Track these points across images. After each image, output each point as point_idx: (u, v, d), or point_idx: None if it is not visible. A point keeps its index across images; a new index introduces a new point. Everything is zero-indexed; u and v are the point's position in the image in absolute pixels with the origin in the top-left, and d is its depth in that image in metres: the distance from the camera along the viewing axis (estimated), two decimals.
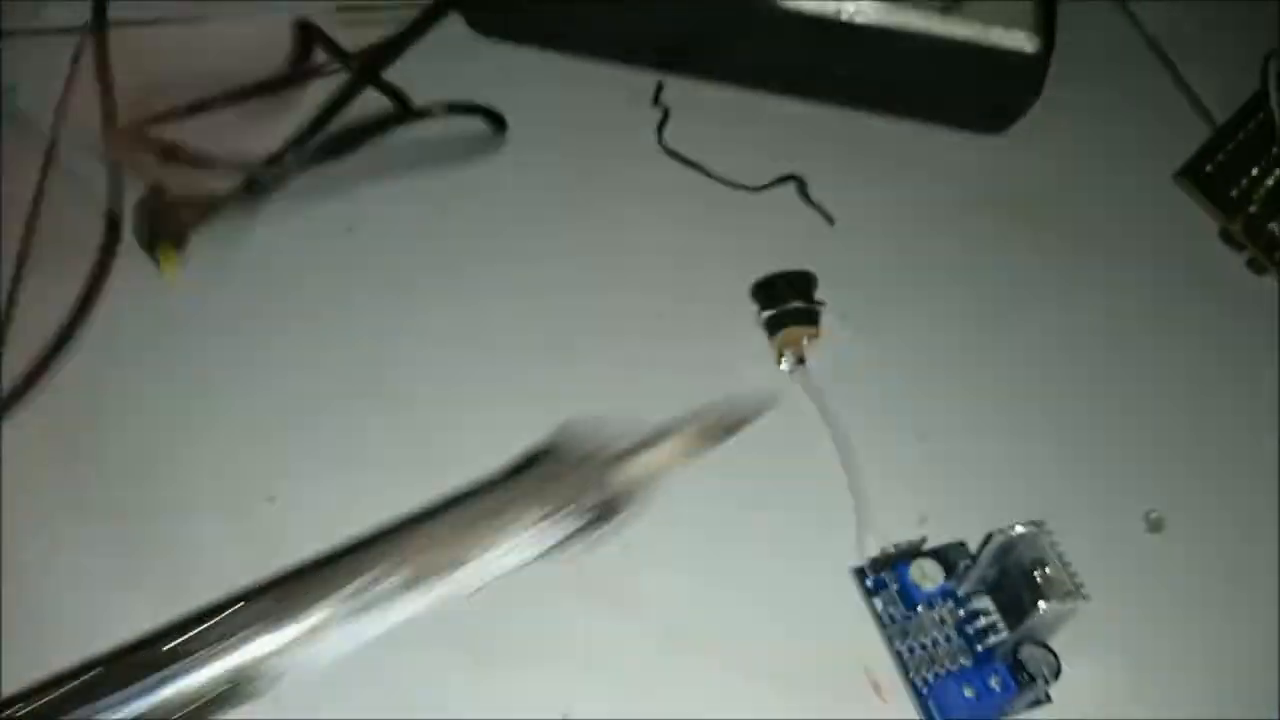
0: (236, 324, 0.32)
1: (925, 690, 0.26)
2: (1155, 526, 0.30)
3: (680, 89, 0.39)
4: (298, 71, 0.38)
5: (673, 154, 0.38)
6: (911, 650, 0.27)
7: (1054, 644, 0.26)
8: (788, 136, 0.38)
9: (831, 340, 0.33)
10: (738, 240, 0.35)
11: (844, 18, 0.37)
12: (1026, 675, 0.26)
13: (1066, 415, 0.32)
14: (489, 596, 0.26)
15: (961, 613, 0.27)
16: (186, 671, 0.21)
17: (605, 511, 0.24)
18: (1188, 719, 0.26)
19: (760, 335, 0.33)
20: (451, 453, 0.29)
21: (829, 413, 0.31)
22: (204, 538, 0.28)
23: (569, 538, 0.24)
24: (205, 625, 0.21)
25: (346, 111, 0.37)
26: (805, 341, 0.32)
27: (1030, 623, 0.26)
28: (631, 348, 0.32)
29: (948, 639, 0.27)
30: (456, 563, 0.23)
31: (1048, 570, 0.26)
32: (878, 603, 0.28)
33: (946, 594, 0.28)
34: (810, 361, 0.32)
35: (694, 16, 0.38)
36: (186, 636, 0.21)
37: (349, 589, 0.22)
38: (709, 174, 0.37)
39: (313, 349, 0.31)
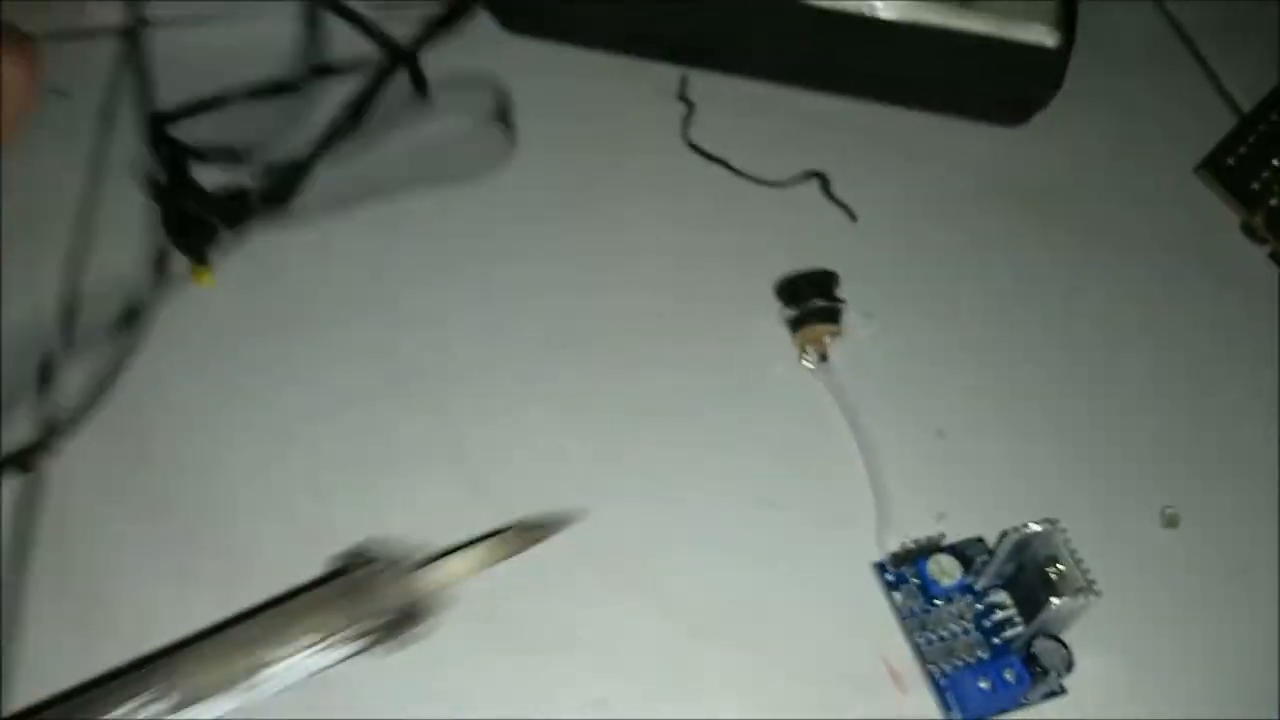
0: (269, 326, 0.33)
1: (943, 682, 0.27)
2: (1171, 522, 0.31)
3: (705, 83, 0.40)
4: (321, 67, 0.39)
5: (697, 149, 0.38)
6: (930, 643, 0.28)
7: (1068, 637, 0.27)
8: (811, 131, 0.39)
9: (853, 337, 0.33)
10: (761, 236, 0.36)
11: (866, 13, 0.37)
12: (1040, 668, 0.27)
13: (1085, 411, 0.33)
14: (519, 588, 0.28)
15: (979, 607, 0.28)
16: None
17: (404, 619, 0.25)
18: (1199, 716, 0.27)
19: (784, 331, 0.34)
20: (485, 449, 0.30)
21: (850, 409, 0.32)
22: (254, 533, 0.29)
23: (363, 649, 0.25)
24: None
25: (378, 103, 0.38)
26: (827, 339, 0.33)
27: (1043, 617, 0.27)
28: (656, 344, 0.33)
29: (965, 632, 0.28)
30: (230, 682, 0.24)
31: (1060, 567, 0.27)
32: (897, 596, 0.29)
33: (964, 589, 0.29)
34: (833, 358, 0.33)
35: (719, 13, 0.38)
36: None
37: (117, 714, 0.23)
38: (733, 169, 0.38)
39: (346, 348, 0.33)
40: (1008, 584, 0.28)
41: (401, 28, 0.39)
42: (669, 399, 0.32)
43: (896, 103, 0.40)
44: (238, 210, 0.34)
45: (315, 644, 0.24)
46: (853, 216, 0.37)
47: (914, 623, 0.28)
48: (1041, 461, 0.32)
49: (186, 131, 0.36)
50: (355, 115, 0.37)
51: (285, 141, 0.36)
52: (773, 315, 0.34)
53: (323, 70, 0.39)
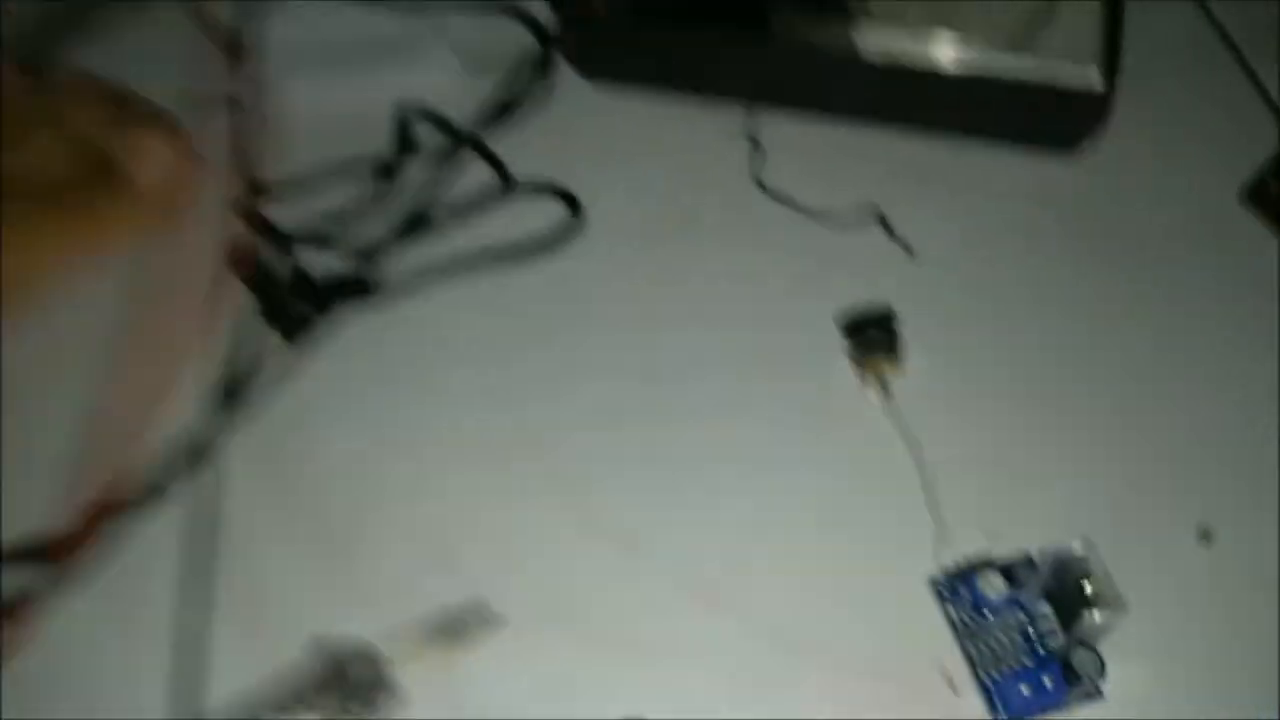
0: (352, 398, 0.37)
1: (991, 686, 0.31)
2: (1205, 538, 0.34)
3: (772, 124, 0.43)
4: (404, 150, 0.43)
5: (765, 189, 0.42)
6: (980, 651, 0.32)
7: (1104, 646, 0.31)
8: (871, 167, 0.42)
9: (912, 369, 0.37)
10: (826, 271, 0.39)
11: (924, 65, 0.40)
12: (1076, 675, 0.30)
13: (1128, 434, 0.36)
14: (615, 604, 0.32)
15: (1023, 618, 0.32)
16: None
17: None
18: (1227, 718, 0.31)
19: (847, 364, 0.37)
20: (576, 473, 0.35)
21: (910, 436, 0.35)
22: (387, 553, 0.34)
23: None
24: None
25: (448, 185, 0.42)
26: (888, 370, 0.36)
27: (1079, 628, 0.30)
28: (727, 376, 0.37)
29: (1011, 642, 0.32)
30: None
31: (1095, 583, 0.30)
32: (951, 609, 0.32)
33: (1011, 602, 0.32)
34: (893, 388, 0.36)
35: (789, 61, 0.42)
36: None
37: None
38: (800, 209, 0.41)
39: (455, 412, 0.37)
40: (1050, 597, 0.32)
41: (486, 92, 0.43)
42: (743, 429, 0.36)
43: (951, 134, 0.42)
44: (329, 294, 0.39)
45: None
46: (910, 252, 0.40)
47: (966, 633, 0.32)
48: (1086, 482, 0.35)
49: (282, 209, 0.41)
50: (430, 196, 0.41)
51: (372, 221, 0.40)
52: (837, 348, 0.37)
53: (408, 148, 0.43)
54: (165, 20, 0.48)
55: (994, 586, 0.32)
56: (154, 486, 0.35)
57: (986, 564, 0.33)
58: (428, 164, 0.42)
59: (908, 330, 0.37)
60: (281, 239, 0.40)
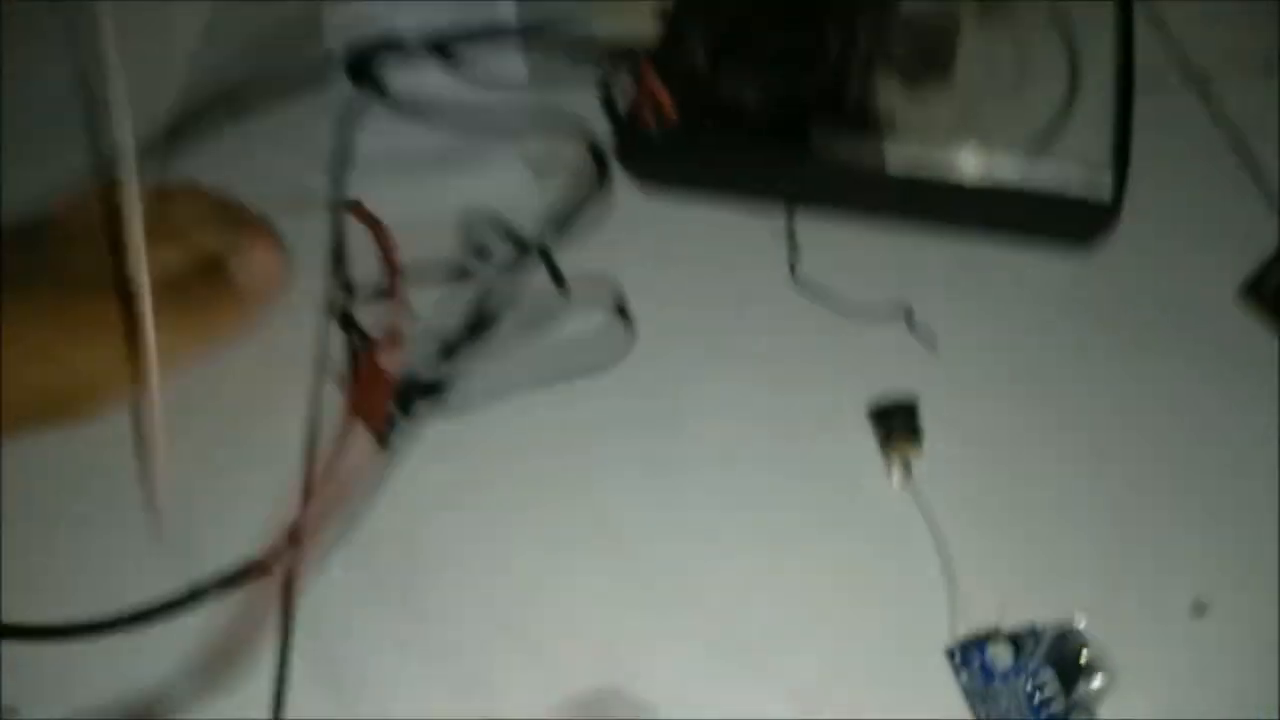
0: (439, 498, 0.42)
1: None
2: (1199, 611, 0.37)
3: (809, 226, 0.48)
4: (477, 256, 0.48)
5: (803, 287, 0.46)
6: (989, 714, 0.35)
7: (1100, 711, 0.34)
8: (897, 265, 0.46)
9: (934, 453, 0.41)
10: (856, 365, 0.43)
11: (947, 174, 0.44)
12: None
13: (1135, 511, 0.39)
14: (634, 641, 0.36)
15: (1029, 685, 0.35)
16: None
17: None
18: None
19: (874, 449, 0.41)
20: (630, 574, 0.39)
21: (930, 516, 0.39)
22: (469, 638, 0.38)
23: None
24: None
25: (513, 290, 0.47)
26: (911, 456, 0.40)
27: (1076, 696, 0.34)
28: (763, 457, 0.41)
29: (1017, 706, 0.35)
30: None
31: (1089, 655, 0.34)
32: (963, 676, 0.36)
33: (1017, 670, 0.36)
34: (916, 472, 0.40)
35: (826, 173, 0.46)
36: None
37: None
38: (833, 307, 0.45)
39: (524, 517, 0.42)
40: (1052, 665, 0.35)
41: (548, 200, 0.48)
42: (774, 506, 0.40)
43: (972, 233, 0.47)
44: (409, 397, 0.43)
45: None
46: (933, 345, 0.44)
47: (976, 698, 0.36)
48: (1091, 556, 0.38)
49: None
50: (496, 301, 0.46)
51: (444, 324, 0.45)
52: (865, 433, 0.41)
53: (480, 255, 0.48)
54: (261, 132, 0.54)
55: (1001, 656, 0.36)
56: None
57: (996, 634, 0.36)
58: (495, 269, 0.47)
59: (929, 417, 0.41)
60: (368, 341, 0.45)
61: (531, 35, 0.55)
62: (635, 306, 0.45)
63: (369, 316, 0.45)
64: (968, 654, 0.36)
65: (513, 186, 0.50)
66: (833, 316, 0.45)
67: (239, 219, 0.48)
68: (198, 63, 0.56)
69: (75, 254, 0.44)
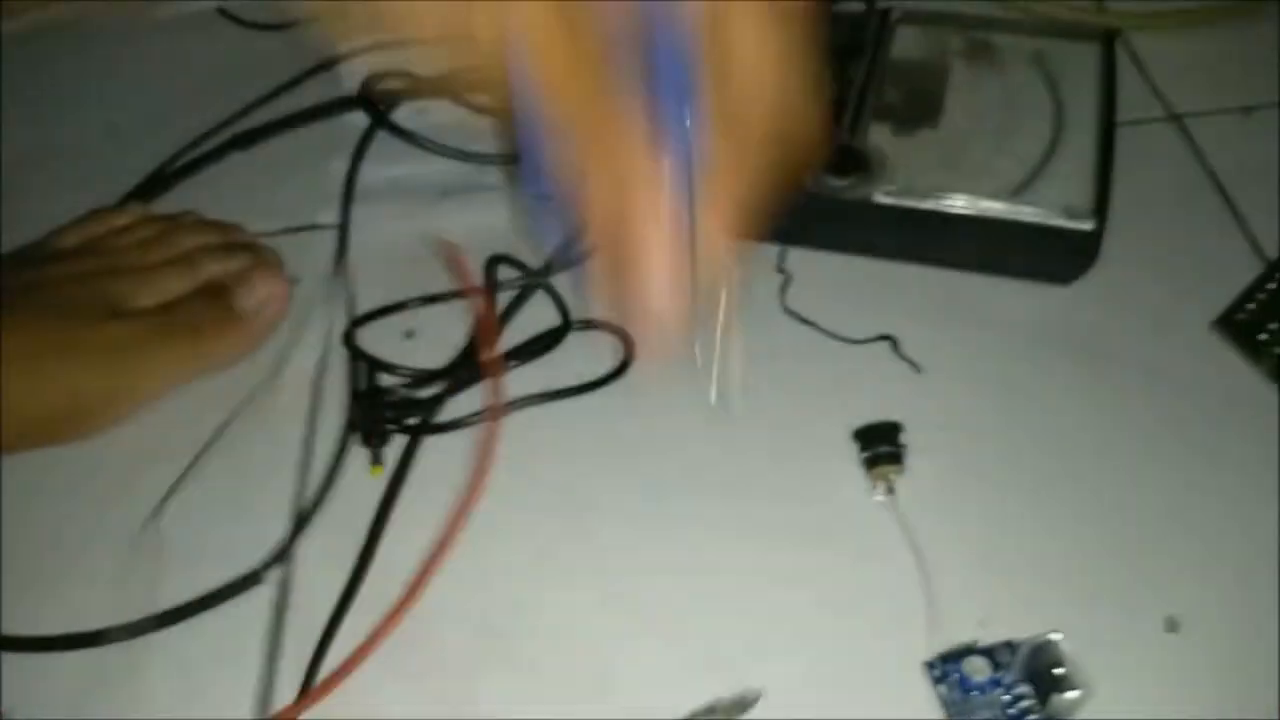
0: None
1: None
2: (1172, 627, 0.38)
3: (799, 257, 0.49)
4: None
5: (792, 313, 0.47)
6: None
7: None
8: (883, 294, 0.48)
9: (915, 474, 0.42)
10: (842, 388, 0.45)
11: (935, 212, 0.46)
12: None
13: (1109, 532, 0.40)
14: (612, 657, 0.37)
15: (1005, 698, 0.36)
16: None
17: None
18: None
19: (859, 469, 0.42)
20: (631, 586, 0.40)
21: (910, 534, 0.40)
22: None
23: None
24: None
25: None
26: (893, 476, 0.42)
27: (1051, 708, 0.35)
28: (752, 476, 0.43)
29: (994, 718, 0.36)
30: None
31: (1063, 669, 0.35)
32: (941, 689, 0.37)
33: (994, 683, 0.37)
34: (898, 492, 0.42)
35: (819, 211, 0.48)
36: None
37: None
38: (821, 330, 0.47)
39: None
40: (1029, 679, 0.36)
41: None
42: (765, 528, 0.41)
43: (956, 268, 0.48)
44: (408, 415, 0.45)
45: None
46: (917, 369, 0.45)
47: (954, 710, 0.36)
48: (1067, 575, 0.39)
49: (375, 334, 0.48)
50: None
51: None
52: (850, 456, 0.43)
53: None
54: (269, 163, 0.56)
55: (978, 670, 0.37)
56: None
57: (973, 649, 0.37)
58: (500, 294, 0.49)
59: (912, 439, 0.42)
60: (372, 364, 0.46)
61: None
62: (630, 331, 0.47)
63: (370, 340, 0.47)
64: (946, 667, 0.37)
65: (517, 216, 0.51)
66: (821, 342, 0.46)
67: (244, 248, 0.50)
68: (210, 92, 0.59)
69: (74, 277, 0.46)
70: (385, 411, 0.45)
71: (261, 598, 0.41)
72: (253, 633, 0.40)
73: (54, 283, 0.46)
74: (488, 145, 0.53)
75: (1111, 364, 0.45)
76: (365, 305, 0.49)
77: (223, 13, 0.64)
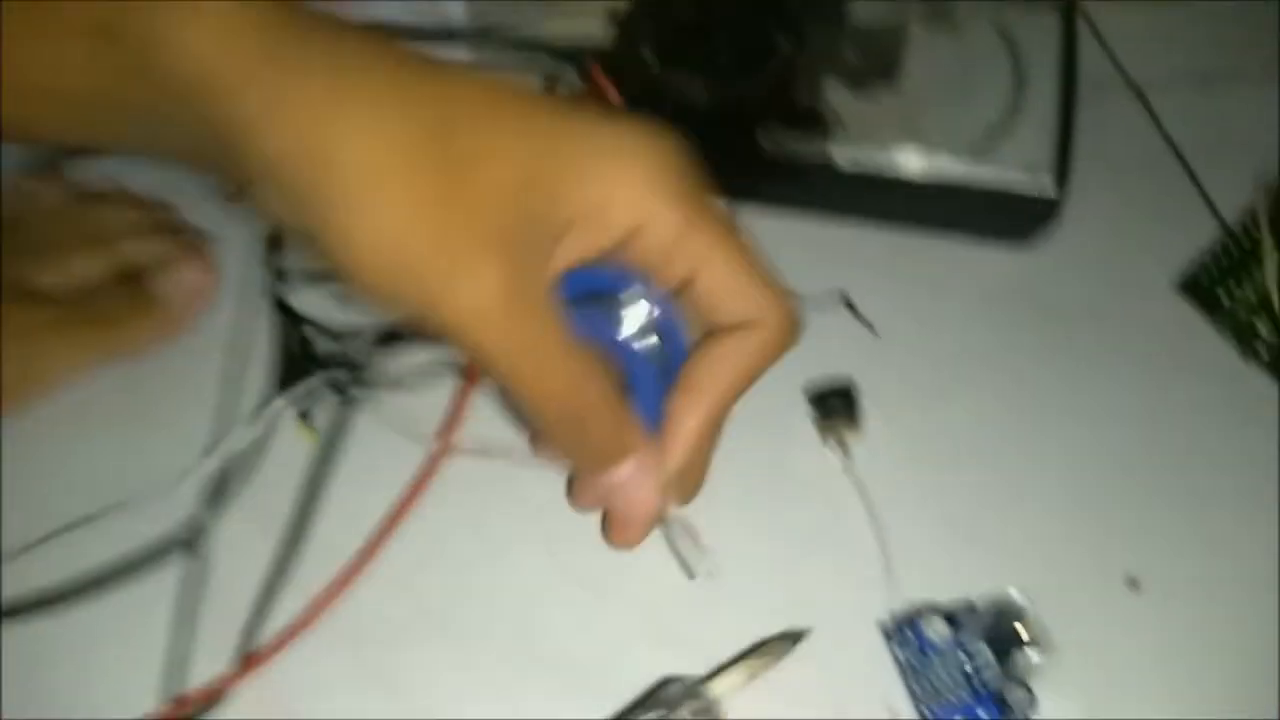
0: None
1: (931, 718, 0.34)
2: (1133, 585, 0.37)
3: (753, 216, 0.48)
4: None
5: None
6: (923, 688, 0.34)
7: (1035, 684, 0.34)
8: (841, 255, 0.46)
9: (871, 434, 0.40)
10: (797, 349, 0.43)
11: (892, 171, 0.45)
12: (1009, 709, 0.33)
13: (1064, 492, 0.39)
14: (555, 631, 0.35)
15: (963, 658, 0.35)
16: None
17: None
18: None
19: (813, 430, 0.41)
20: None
21: (866, 495, 0.39)
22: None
23: None
24: None
25: None
26: (848, 437, 0.40)
27: (1012, 667, 0.33)
28: None
29: (953, 678, 0.34)
30: None
31: (1029, 626, 0.33)
32: (897, 650, 0.35)
33: (953, 644, 0.35)
34: (853, 453, 0.40)
35: (772, 168, 0.46)
36: None
37: None
38: None
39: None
40: (988, 639, 0.35)
41: None
42: (718, 487, 0.39)
43: (915, 228, 0.47)
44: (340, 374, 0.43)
45: None
46: (874, 331, 0.44)
47: (911, 671, 0.35)
48: (1026, 534, 0.38)
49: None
50: None
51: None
52: (803, 416, 0.41)
53: None
54: None
55: (937, 630, 0.35)
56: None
57: (931, 609, 0.36)
58: None
59: (868, 400, 0.41)
60: (300, 322, 0.44)
61: (480, 35, 0.55)
62: None
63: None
64: (903, 629, 0.36)
65: None
66: None
67: (172, 230, 0.45)
68: None
69: None
70: (316, 369, 0.43)
71: (177, 570, 0.38)
72: (165, 608, 0.37)
73: None
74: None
75: (1071, 324, 0.44)
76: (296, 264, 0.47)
77: None
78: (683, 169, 0.29)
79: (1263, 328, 0.41)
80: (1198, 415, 0.41)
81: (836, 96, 0.48)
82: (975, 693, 0.34)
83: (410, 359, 0.43)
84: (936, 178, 0.45)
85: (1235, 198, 0.47)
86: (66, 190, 0.46)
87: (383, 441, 0.40)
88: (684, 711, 0.32)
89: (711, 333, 0.32)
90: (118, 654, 0.36)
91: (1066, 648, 0.34)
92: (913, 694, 0.34)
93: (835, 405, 0.41)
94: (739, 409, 0.41)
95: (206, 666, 0.36)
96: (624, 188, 0.28)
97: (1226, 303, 0.42)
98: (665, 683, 0.33)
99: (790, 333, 0.32)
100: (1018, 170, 0.45)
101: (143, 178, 0.48)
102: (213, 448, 0.41)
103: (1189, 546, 0.37)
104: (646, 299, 0.31)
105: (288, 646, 0.36)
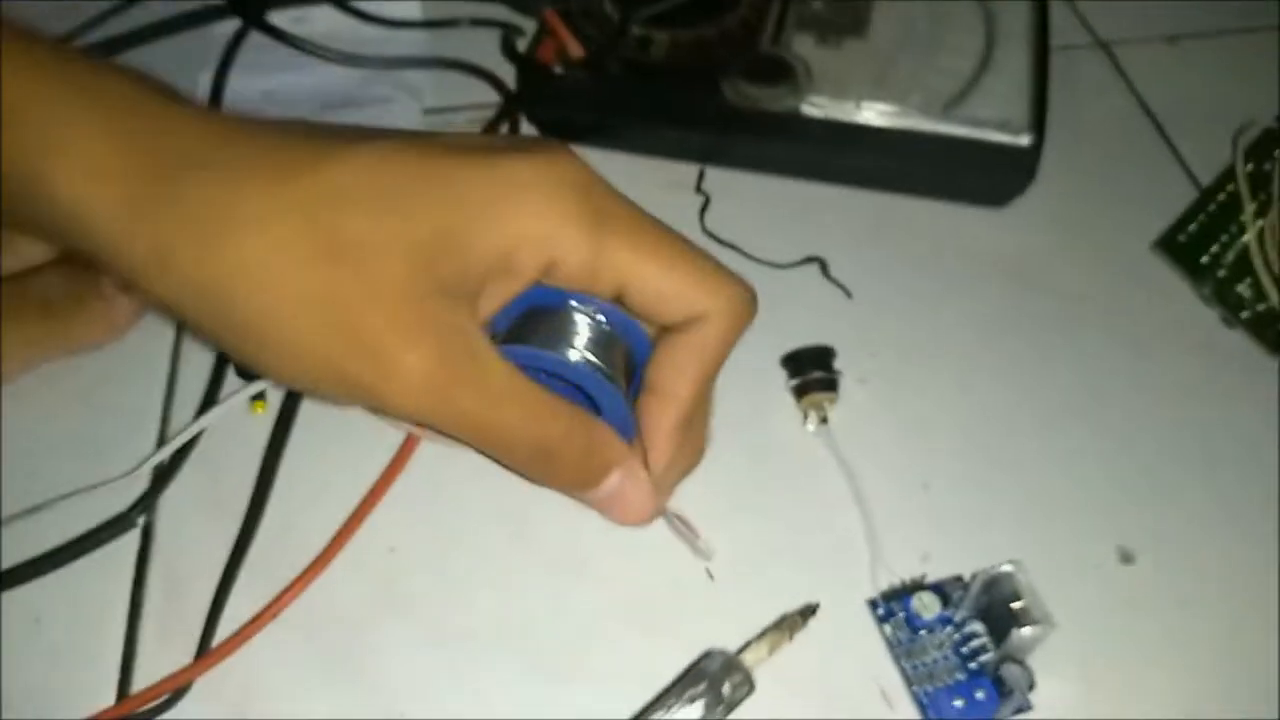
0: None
1: (925, 700, 0.32)
2: (1126, 559, 0.35)
3: (719, 177, 0.45)
4: None
5: (712, 236, 0.44)
6: (915, 668, 0.33)
7: (1032, 662, 0.32)
8: (812, 217, 0.44)
9: (849, 403, 0.39)
10: (768, 313, 0.41)
11: (857, 120, 0.43)
12: (1006, 688, 0.32)
13: (1051, 462, 0.38)
14: (537, 614, 0.33)
15: (956, 636, 0.33)
16: None
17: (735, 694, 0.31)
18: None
19: (789, 398, 0.39)
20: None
21: (847, 465, 0.37)
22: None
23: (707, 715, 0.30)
24: None
25: None
26: (827, 405, 0.38)
27: (1009, 644, 0.32)
28: None
29: (945, 658, 0.33)
30: None
31: (1023, 601, 0.32)
32: (887, 628, 0.34)
33: (944, 621, 0.33)
34: (832, 422, 0.38)
35: (738, 124, 0.44)
36: None
37: None
38: (744, 254, 0.43)
39: None
40: (981, 616, 0.33)
41: None
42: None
43: (888, 189, 0.45)
44: None
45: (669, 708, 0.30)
46: (848, 294, 0.42)
47: (901, 650, 0.33)
48: (1014, 507, 0.36)
49: None
50: None
51: None
52: (779, 385, 0.39)
53: None
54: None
55: (928, 606, 0.34)
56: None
57: (921, 585, 0.34)
58: None
59: (845, 367, 0.39)
60: None
61: None
62: None
63: None
64: (891, 605, 0.34)
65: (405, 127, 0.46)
66: (744, 265, 0.43)
67: None
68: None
69: None
70: None
71: (126, 550, 0.35)
72: (120, 597, 0.34)
73: None
74: (374, 49, 0.48)
75: (1050, 287, 0.42)
76: None
77: None
78: (584, 187, 0.28)
79: (1241, 287, 0.41)
80: (1181, 379, 0.40)
81: (804, 49, 0.46)
82: (969, 671, 0.33)
83: None
84: (909, 130, 0.44)
85: (1209, 155, 0.46)
86: None
87: (334, 418, 0.38)
88: (726, 686, 0.30)
89: (665, 330, 0.31)
90: (72, 647, 0.33)
91: (1062, 623, 0.32)
92: (904, 673, 0.33)
93: (811, 372, 0.39)
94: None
95: (166, 658, 0.33)
96: (527, 228, 0.27)
97: (1205, 260, 0.41)
98: (705, 656, 0.32)
99: (741, 315, 0.31)
100: (992, 123, 0.43)
101: None
102: (164, 427, 0.38)
103: (1180, 516, 0.36)
104: (590, 309, 0.30)
105: (252, 636, 0.33)
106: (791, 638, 0.32)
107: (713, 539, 0.35)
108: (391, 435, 0.36)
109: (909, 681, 0.33)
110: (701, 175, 0.46)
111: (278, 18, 0.50)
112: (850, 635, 0.34)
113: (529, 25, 0.49)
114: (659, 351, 0.31)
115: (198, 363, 0.40)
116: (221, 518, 0.36)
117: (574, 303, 0.30)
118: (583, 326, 0.30)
